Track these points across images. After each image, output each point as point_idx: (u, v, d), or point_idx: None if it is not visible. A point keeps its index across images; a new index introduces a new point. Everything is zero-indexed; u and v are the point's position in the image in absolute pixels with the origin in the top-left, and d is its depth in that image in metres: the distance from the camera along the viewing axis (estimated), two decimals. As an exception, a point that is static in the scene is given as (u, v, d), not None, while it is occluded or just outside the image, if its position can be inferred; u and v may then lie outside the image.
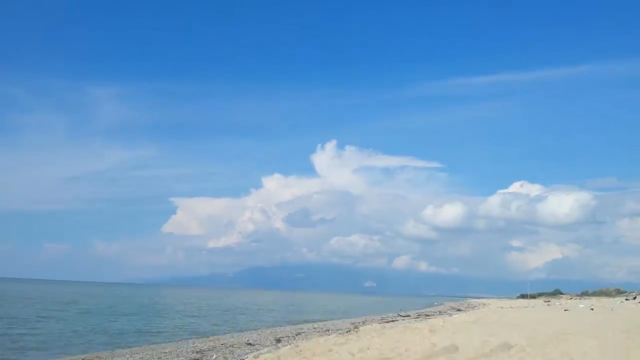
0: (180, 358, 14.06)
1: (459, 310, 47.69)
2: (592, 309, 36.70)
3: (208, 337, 21.66)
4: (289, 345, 15.15)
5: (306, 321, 33.75)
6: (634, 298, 60.86)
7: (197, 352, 15.18)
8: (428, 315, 34.94)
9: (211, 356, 14.18)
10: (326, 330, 22.02)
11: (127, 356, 15.08)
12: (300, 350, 13.41)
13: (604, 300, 64.54)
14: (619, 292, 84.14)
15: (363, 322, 27.83)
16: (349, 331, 20.15)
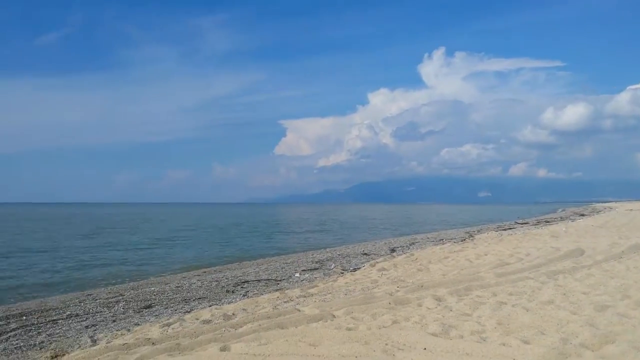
0: (301, 267, 14.86)
1: (583, 215, 45.15)
2: None
3: (326, 248, 22.67)
4: (403, 254, 15.38)
5: (419, 232, 34.00)
6: None
7: (316, 262, 15.97)
8: (548, 222, 33.52)
9: (330, 265, 14.84)
10: (440, 240, 22.02)
11: (254, 267, 16.26)
12: (416, 258, 13.56)
13: None
14: None
15: (478, 231, 27.40)
16: (464, 240, 19.96)
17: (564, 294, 7.39)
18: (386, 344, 5.32)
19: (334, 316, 6.74)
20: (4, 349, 7.15)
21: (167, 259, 20.97)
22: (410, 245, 20.43)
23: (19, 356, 6.72)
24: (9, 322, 8.84)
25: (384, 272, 11.44)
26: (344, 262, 15.64)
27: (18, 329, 8.31)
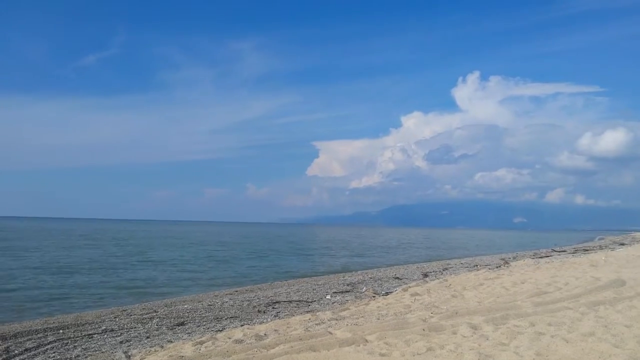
0: (332, 289, 14.78)
1: (622, 244, 43.62)
2: None
3: (357, 271, 22.50)
4: (437, 280, 15.13)
5: (452, 257, 33.43)
6: None
7: (347, 285, 15.85)
8: (587, 250, 32.51)
9: (361, 288, 14.71)
10: (474, 266, 21.59)
11: (285, 287, 16.25)
12: (450, 284, 13.32)
13: None
14: None
15: (514, 258, 26.77)
16: (499, 266, 19.52)
17: (605, 326, 7.13)
18: (420, 372, 5.22)
19: (366, 341, 6.66)
20: (42, 361, 7.31)
21: (200, 277, 21.17)
22: (444, 270, 20.10)
23: (56, 369, 6.85)
24: (47, 335, 9.04)
25: (417, 298, 11.27)
26: (376, 285, 15.49)
27: (55, 342, 8.49)
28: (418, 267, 22.54)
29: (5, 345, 8.11)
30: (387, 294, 13.00)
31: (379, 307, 10.29)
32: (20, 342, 8.41)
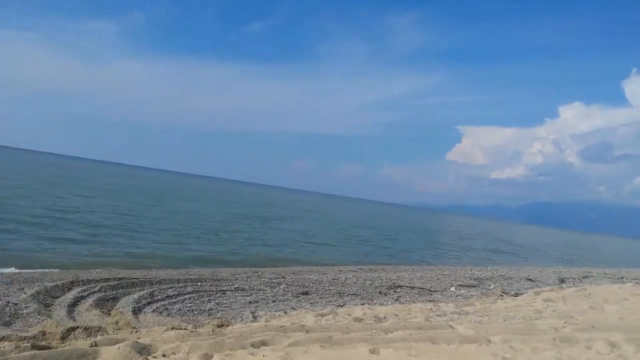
0: (458, 281, 14.35)
1: None
2: None
3: (486, 266, 21.60)
4: (574, 287, 13.98)
5: (594, 265, 30.61)
6: None
7: (474, 279, 15.29)
8: None
9: (488, 285, 14.10)
10: (619, 278, 19.55)
11: (409, 272, 16.14)
12: (589, 294, 12.23)
13: None
14: None
15: (671, 276, 23.74)
16: (652, 283, 17.45)
17: None
18: (546, 384, 4.89)
19: (489, 341, 6.38)
20: (179, 309, 8.08)
21: (327, 251, 21.81)
22: (583, 278, 18.49)
23: (190, 318, 7.54)
24: (187, 285, 9.97)
25: (549, 304, 10.52)
26: (505, 284, 14.73)
27: (192, 293, 9.33)
28: (554, 271, 20.98)
29: (151, 290, 9.09)
30: (516, 295, 12.32)
31: (506, 307, 9.79)
32: (164, 289, 9.37)
